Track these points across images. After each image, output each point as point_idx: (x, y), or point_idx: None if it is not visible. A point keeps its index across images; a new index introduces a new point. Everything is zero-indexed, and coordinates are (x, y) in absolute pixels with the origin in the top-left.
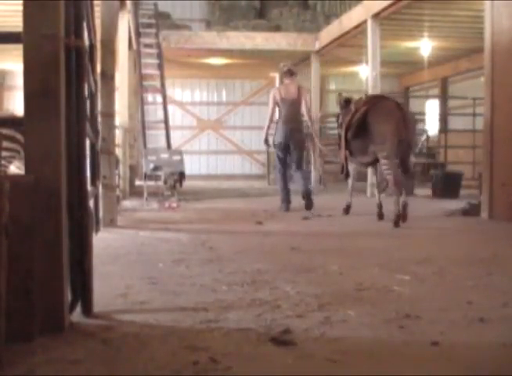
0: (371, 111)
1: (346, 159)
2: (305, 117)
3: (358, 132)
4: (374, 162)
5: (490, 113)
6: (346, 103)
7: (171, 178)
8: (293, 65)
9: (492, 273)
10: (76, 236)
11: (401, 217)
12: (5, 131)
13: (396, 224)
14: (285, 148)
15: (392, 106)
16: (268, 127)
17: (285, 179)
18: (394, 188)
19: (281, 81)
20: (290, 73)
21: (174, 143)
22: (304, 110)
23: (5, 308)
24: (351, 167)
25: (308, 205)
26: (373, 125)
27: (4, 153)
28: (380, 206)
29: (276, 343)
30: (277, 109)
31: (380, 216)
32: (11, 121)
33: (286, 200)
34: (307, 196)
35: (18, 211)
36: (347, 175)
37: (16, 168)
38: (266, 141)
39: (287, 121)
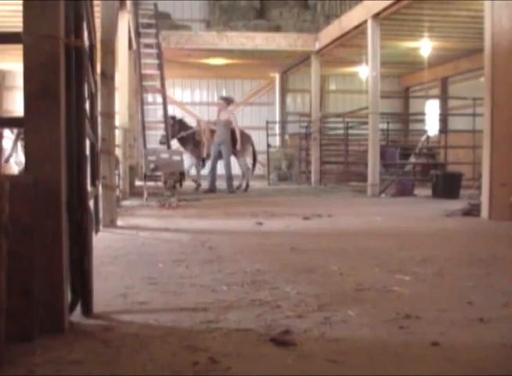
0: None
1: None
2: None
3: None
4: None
5: (490, 113)
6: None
7: (171, 179)
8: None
9: (492, 273)
10: (76, 236)
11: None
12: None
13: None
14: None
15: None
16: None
17: (215, 174)
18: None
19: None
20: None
21: (174, 144)
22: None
23: (5, 308)
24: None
25: (230, 191)
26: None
27: None
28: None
29: (276, 343)
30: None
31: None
32: (11, 121)
33: (214, 188)
34: (228, 185)
35: (18, 211)
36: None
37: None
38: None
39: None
